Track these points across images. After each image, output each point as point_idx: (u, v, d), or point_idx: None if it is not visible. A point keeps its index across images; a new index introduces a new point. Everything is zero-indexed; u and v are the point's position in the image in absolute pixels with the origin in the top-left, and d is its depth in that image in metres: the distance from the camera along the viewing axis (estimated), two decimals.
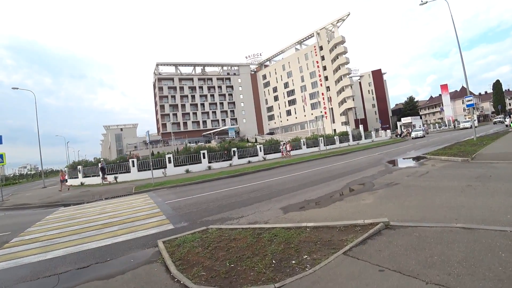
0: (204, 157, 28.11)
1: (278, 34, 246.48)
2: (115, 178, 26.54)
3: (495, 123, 57.03)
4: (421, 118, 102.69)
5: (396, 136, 44.32)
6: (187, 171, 26.92)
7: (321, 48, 71.68)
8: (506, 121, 39.23)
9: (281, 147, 30.50)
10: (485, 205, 5.12)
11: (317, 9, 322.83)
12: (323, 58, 71.37)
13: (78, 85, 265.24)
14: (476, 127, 52.62)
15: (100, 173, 24.70)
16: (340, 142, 37.26)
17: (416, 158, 14.00)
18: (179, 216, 7.80)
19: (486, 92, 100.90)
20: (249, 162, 28.51)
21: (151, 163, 20.31)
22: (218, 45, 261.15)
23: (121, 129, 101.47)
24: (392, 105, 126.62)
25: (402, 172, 10.02)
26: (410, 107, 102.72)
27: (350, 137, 39.20)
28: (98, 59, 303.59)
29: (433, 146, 20.44)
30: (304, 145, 33.00)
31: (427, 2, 22.18)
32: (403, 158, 15.07)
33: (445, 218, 4.73)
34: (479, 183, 6.54)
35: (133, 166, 27.32)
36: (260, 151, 30.19)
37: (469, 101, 21.43)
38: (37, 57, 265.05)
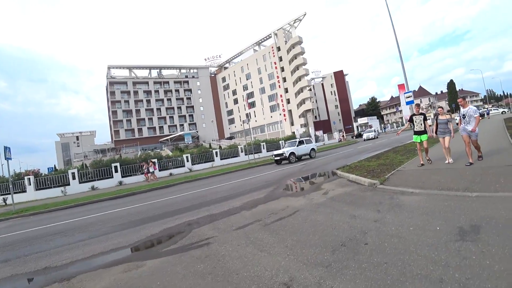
0: (116, 171, 23.70)
1: (238, 35, 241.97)
2: (4, 200, 21.80)
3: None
4: (382, 118, 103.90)
5: (339, 141, 41.56)
6: (93, 187, 22.49)
7: (278, 49, 69.08)
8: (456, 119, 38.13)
9: (144, 167, 23.19)
10: None
11: (278, 9, 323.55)
12: (281, 59, 68.77)
13: (37, 89, 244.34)
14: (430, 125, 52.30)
15: None
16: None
17: (322, 176, 10.63)
18: None
19: (442, 92, 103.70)
20: (171, 174, 24.40)
21: (10, 186, 15.48)
22: (176, 47, 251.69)
23: (77, 137, 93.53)
24: (356, 105, 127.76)
25: (264, 209, 6.35)
26: (373, 108, 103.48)
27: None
28: (60, 61, 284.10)
29: (368, 152, 17.47)
30: (242, 152, 29.36)
31: None
32: (309, 176, 11.59)
33: None
34: (317, 274, 3.04)
35: (29, 184, 22.78)
36: (187, 161, 26.16)
37: (408, 97, 18.74)
38: None
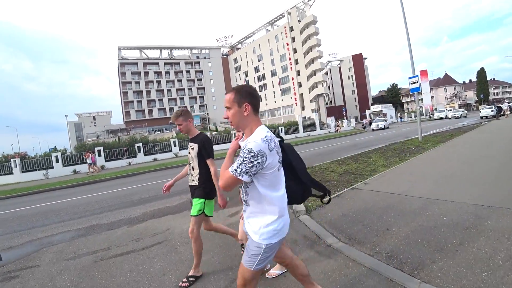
0: (100, 155, 22.77)
1: (251, 13, 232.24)
2: None
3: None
4: (402, 106, 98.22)
5: (335, 131, 36.29)
6: (75, 171, 21.83)
7: (291, 29, 65.35)
8: (481, 112, 33.47)
9: (85, 157, 20.57)
10: None
11: None
12: (293, 40, 65.18)
13: (60, 70, 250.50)
14: (450, 118, 47.86)
15: None
16: (287, 133, 31.88)
17: None
18: None
19: (470, 81, 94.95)
20: (155, 159, 23.18)
21: None
22: (188, 27, 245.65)
23: (94, 117, 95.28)
24: (375, 91, 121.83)
25: (143, 228, 4.90)
26: (393, 95, 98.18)
27: (300, 128, 33.77)
28: (81, 43, 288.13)
29: (358, 148, 15.16)
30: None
31: None
32: None
33: None
34: None
35: (16, 167, 22.69)
36: (175, 146, 24.83)
37: (413, 83, 15.84)
38: (13, 40, 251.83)
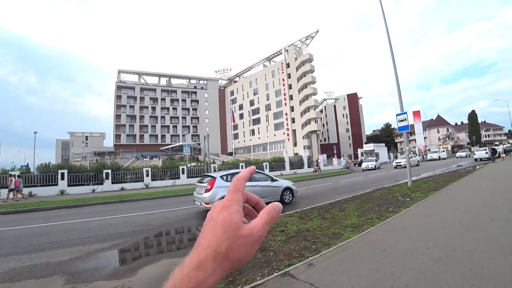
0: (62, 179, 20.78)
1: (251, 49, 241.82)
2: None
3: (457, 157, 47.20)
4: (396, 146, 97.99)
5: (314, 171, 32.94)
6: (31, 194, 19.65)
7: (288, 65, 66.46)
8: (475, 154, 32.60)
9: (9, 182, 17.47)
10: None
11: (295, 26, 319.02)
12: (289, 76, 65.98)
13: (65, 88, 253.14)
14: (444, 158, 47.00)
15: None
16: (272, 169, 30.23)
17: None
18: None
19: (462, 123, 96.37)
20: (122, 189, 21.18)
21: None
22: (189, 57, 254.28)
23: (86, 137, 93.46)
24: (370, 131, 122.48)
25: None
26: (387, 134, 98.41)
27: (287, 164, 32.17)
28: (89, 63, 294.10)
29: (343, 192, 13.56)
30: (215, 171, 25.85)
31: None
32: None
33: None
34: None
35: None
36: (147, 176, 22.97)
37: (401, 120, 14.32)
38: (24, 54, 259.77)
